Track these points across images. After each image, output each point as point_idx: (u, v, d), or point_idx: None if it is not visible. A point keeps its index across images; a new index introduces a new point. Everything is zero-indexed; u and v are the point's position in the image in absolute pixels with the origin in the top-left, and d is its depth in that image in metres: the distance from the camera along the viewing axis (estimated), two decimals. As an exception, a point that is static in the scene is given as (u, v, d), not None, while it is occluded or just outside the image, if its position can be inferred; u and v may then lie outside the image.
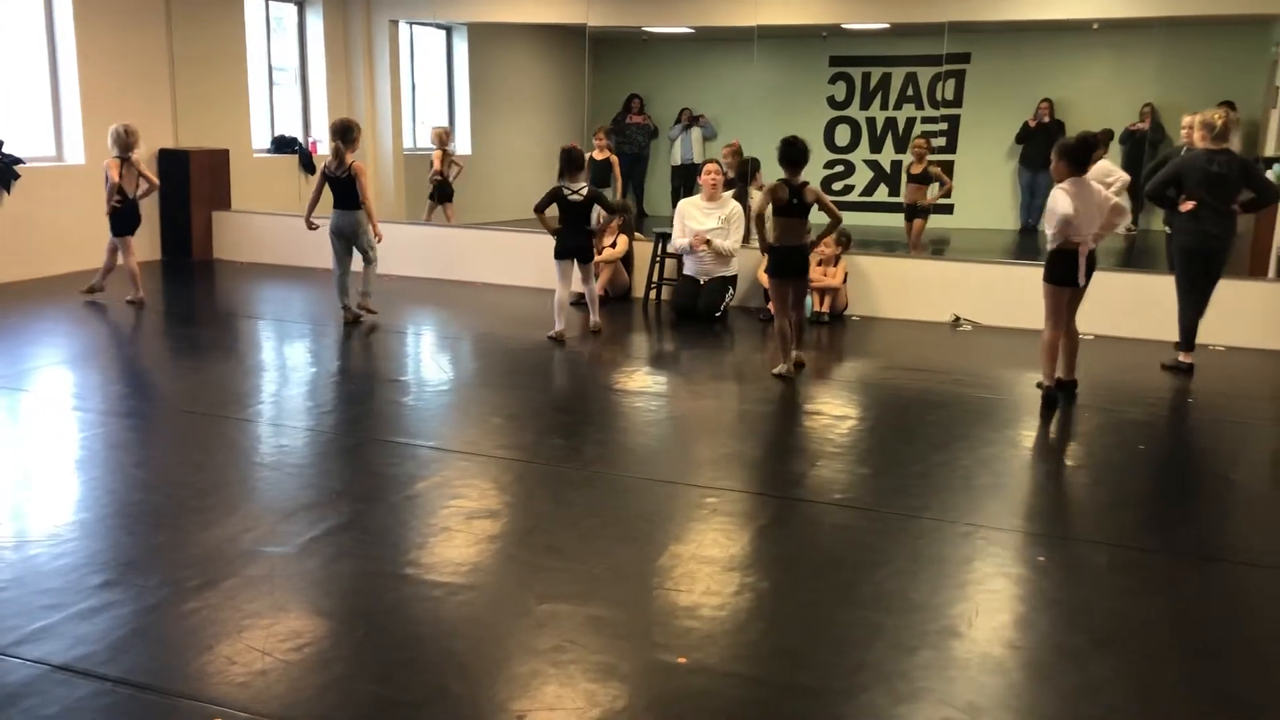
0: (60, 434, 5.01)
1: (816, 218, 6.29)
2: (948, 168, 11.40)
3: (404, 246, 9.81)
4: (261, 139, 11.43)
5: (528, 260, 9.32)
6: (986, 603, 3.43)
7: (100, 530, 3.81)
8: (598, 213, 7.40)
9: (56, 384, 5.96)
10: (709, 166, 8.28)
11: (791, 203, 6.14)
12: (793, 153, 6.18)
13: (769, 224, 6.21)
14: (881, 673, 2.95)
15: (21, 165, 8.79)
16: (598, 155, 10.89)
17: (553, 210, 7.16)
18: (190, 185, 10.14)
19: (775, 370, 6.30)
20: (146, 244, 10.10)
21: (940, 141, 12.23)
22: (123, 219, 7.87)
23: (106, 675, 2.82)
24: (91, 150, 9.14)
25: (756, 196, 8.97)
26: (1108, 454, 5.17)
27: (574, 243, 7.24)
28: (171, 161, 10.10)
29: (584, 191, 7.19)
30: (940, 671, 2.97)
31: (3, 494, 4.24)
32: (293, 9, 11.89)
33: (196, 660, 2.92)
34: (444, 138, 11.52)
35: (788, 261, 6.25)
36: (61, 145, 9.36)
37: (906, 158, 11.46)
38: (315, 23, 11.96)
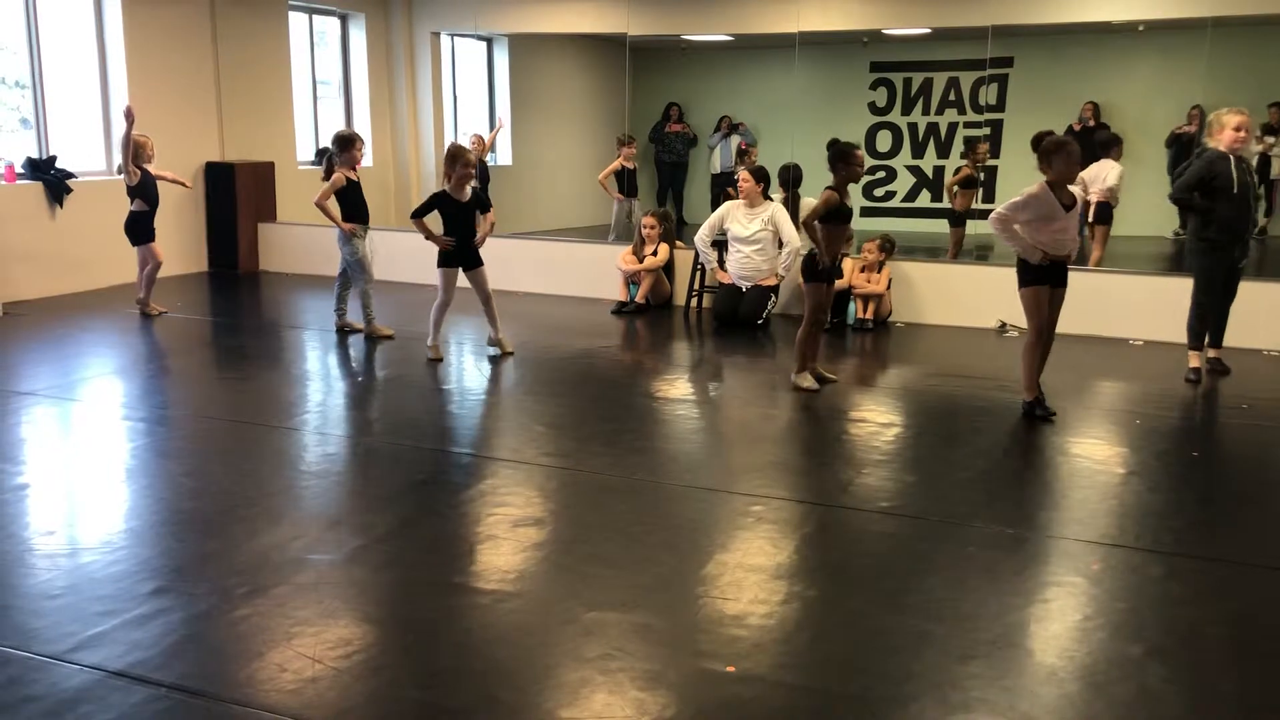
0: (110, 443, 5.09)
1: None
2: (991, 172, 11.30)
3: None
4: (306, 151, 11.56)
5: (569, 268, 9.36)
6: (1039, 612, 3.38)
7: (151, 538, 3.86)
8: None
9: (106, 394, 6.05)
10: (743, 175, 8.27)
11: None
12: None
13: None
14: (932, 682, 2.91)
15: (73, 179, 8.97)
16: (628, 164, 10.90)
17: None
18: (236, 198, 10.27)
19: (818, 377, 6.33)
20: (193, 256, 10.28)
21: (984, 147, 12.13)
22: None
23: (160, 681, 2.85)
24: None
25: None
26: (1161, 460, 5.09)
27: None
28: (218, 174, 10.25)
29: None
30: (993, 681, 2.93)
31: (56, 502, 4.31)
32: (336, 22, 12.02)
33: (248, 667, 2.94)
34: (479, 146, 11.57)
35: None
36: (111, 159, 9.50)
37: (951, 167, 11.38)
38: (358, 36, 12.09)
